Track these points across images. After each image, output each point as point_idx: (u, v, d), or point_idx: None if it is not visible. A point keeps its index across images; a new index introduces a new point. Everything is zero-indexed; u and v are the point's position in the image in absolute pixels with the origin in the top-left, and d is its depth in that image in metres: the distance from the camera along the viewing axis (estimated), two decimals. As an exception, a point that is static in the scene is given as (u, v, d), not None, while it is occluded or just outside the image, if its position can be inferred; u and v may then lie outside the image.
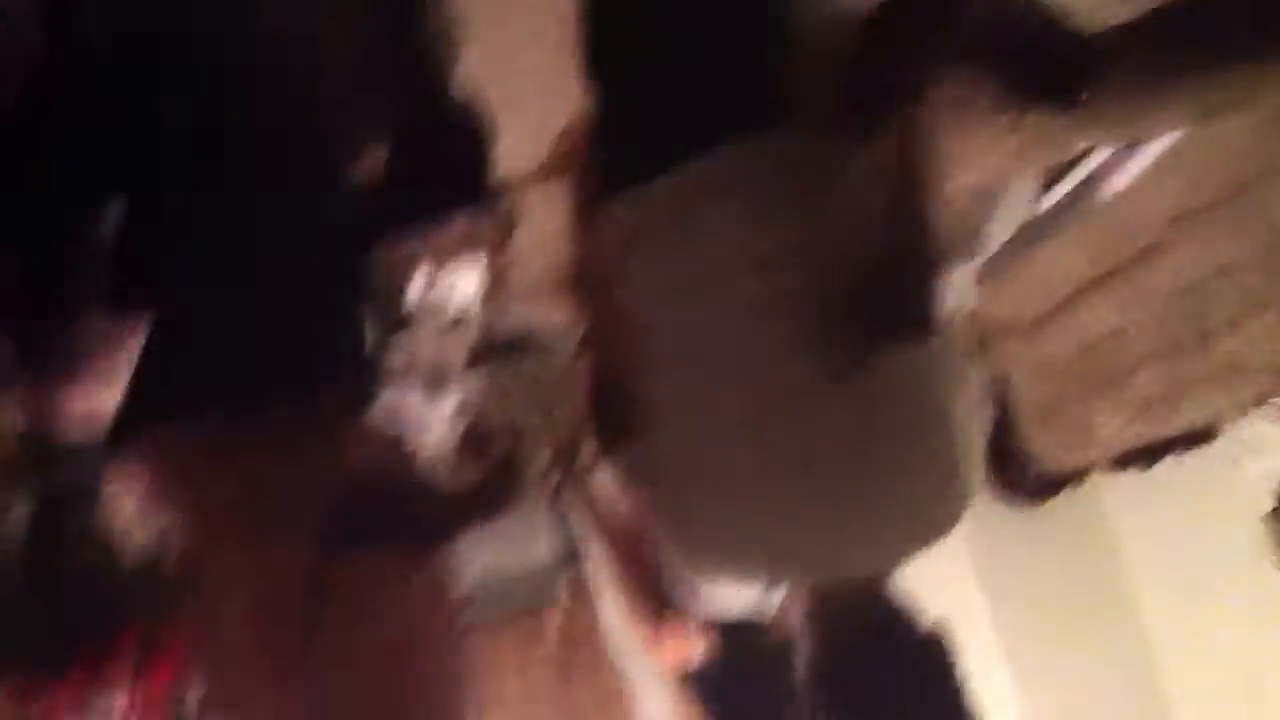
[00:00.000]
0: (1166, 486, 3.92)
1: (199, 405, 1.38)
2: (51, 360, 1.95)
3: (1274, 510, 3.45)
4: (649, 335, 1.48)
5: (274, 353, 1.40)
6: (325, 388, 1.43)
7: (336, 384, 1.47)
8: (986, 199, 3.15)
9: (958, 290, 2.78)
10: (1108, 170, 3.05)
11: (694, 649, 1.93)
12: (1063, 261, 3.43)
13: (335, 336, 1.48)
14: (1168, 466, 3.80)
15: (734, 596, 1.71)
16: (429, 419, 2.40)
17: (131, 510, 2.77)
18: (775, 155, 1.43)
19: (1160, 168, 2.97)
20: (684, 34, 1.48)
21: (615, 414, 1.53)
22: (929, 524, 1.44)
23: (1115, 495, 4.23)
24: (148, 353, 1.51)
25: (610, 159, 1.56)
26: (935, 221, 1.46)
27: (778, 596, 1.80)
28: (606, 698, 3.09)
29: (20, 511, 2.45)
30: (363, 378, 1.54)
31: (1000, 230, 3.31)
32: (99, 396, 2.04)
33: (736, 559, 1.48)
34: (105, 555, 2.45)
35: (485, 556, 2.87)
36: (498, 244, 2.16)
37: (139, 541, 2.80)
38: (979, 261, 3.33)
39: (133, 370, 1.54)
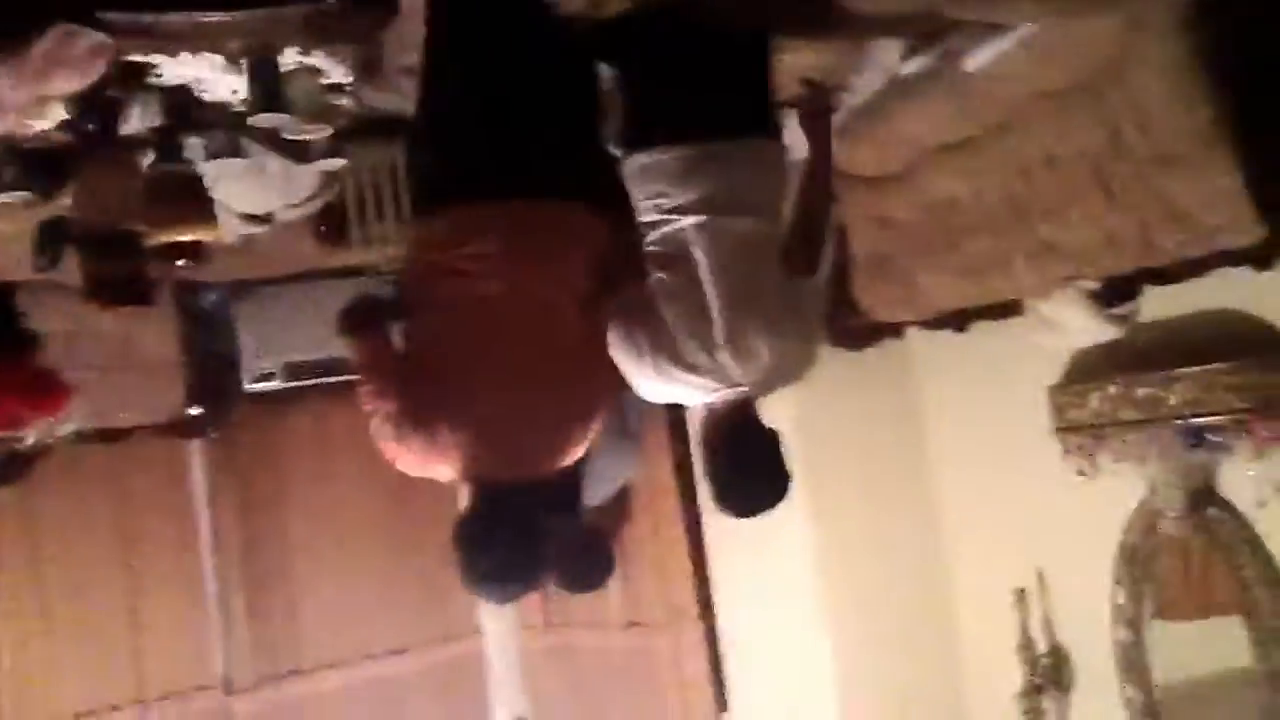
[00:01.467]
0: (972, 349, 4.23)
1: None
2: None
3: (1058, 384, 3.78)
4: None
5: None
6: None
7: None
8: (853, 54, 3.26)
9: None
10: (974, 44, 3.17)
11: None
12: (919, 125, 3.57)
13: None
14: (977, 331, 4.10)
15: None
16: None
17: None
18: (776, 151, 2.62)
19: (1020, 49, 3.10)
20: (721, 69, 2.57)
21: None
22: (810, 364, 2.64)
23: (925, 350, 4.55)
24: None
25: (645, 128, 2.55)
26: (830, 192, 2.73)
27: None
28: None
29: None
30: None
31: (863, 85, 3.44)
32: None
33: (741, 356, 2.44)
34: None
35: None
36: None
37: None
38: (838, 114, 3.46)
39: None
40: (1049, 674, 4.09)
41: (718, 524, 4.92)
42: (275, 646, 5.23)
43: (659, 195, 2.47)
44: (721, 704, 5.05)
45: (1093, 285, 3.44)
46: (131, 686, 4.85)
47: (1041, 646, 4.11)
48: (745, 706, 5.00)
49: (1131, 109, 2.95)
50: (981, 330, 4.06)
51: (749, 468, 2.55)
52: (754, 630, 4.89)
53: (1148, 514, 3.58)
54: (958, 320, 4.12)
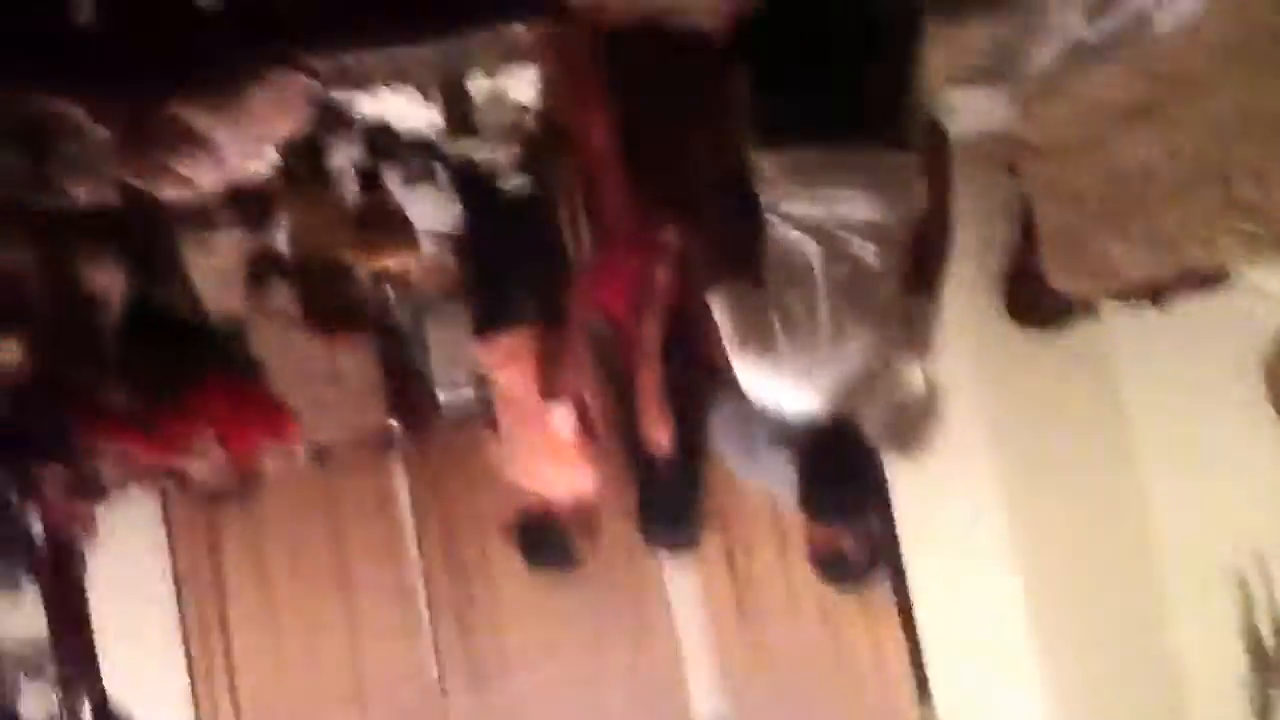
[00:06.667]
0: (1172, 325, 4.06)
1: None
2: (150, 135, 2.10)
3: (1272, 355, 3.60)
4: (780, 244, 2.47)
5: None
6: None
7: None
8: (1027, 22, 3.18)
9: (983, 112, 2.91)
10: (1161, 4, 3.06)
11: None
12: (1105, 91, 3.45)
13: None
14: (1177, 305, 3.94)
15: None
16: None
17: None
18: (908, 165, 2.50)
19: (1211, 5, 2.99)
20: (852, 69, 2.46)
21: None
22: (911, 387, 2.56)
23: (1123, 328, 4.39)
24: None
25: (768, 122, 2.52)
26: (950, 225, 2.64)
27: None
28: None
29: (116, 279, 2.64)
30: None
31: (1042, 53, 3.35)
32: (196, 173, 2.20)
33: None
34: (192, 316, 2.65)
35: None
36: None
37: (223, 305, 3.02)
38: (1017, 84, 3.38)
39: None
40: (1275, 659, 3.92)
41: (911, 515, 4.86)
42: (482, 648, 5.42)
43: (780, 199, 2.47)
44: (923, 696, 4.99)
45: (1304, 248, 3.28)
46: (352, 690, 5.10)
47: (1265, 630, 3.93)
48: (948, 698, 4.92)
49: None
50: (1183, 303, 3.91)
51: (833, 477, 2.54)
52: (954, 621, 4.81)
53: (1377, 489, 3.39)
54: (1156, 293, 3.96)
